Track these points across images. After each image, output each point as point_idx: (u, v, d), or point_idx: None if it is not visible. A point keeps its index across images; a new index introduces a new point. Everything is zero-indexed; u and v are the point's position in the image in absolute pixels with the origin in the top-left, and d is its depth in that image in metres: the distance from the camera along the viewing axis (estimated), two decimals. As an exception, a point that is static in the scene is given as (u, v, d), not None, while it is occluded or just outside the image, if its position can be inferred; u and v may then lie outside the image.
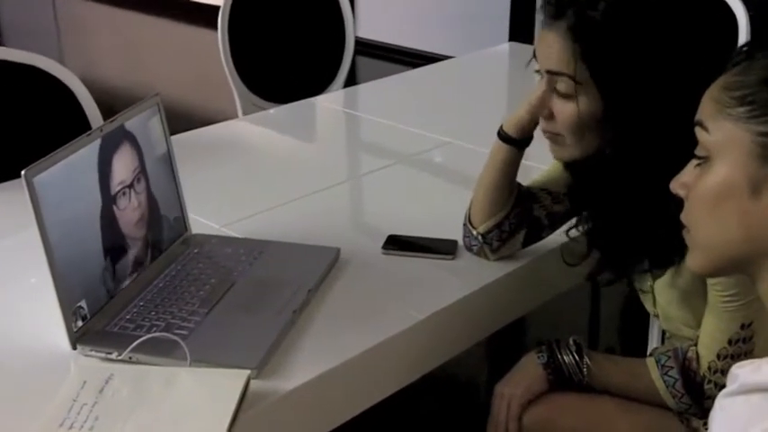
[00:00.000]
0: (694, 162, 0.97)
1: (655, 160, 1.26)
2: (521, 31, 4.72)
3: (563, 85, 1.33)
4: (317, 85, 2.99)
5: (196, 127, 2.23)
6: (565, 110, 1.35)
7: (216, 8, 3.05)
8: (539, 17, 1.38)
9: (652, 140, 1.27)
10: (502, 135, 1.49)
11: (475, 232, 1.52)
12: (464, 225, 1.55)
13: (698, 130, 0.96)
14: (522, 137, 1.48)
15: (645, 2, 1.31)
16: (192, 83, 5.28)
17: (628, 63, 1.29)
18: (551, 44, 1.32)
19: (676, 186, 1.00)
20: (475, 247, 1.54)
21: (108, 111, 2.17)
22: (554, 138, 1.40)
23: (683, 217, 1.00)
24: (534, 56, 1.39)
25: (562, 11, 1.31)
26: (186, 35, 6.62)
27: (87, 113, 2.06)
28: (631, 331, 2.46)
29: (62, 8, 7.26)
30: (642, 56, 1.29)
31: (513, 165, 1.50)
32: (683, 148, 1.00)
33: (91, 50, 6.31)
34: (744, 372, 0.84)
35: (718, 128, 0.93)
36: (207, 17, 5.97)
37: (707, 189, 0.95)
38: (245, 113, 2.84)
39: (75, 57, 6.03)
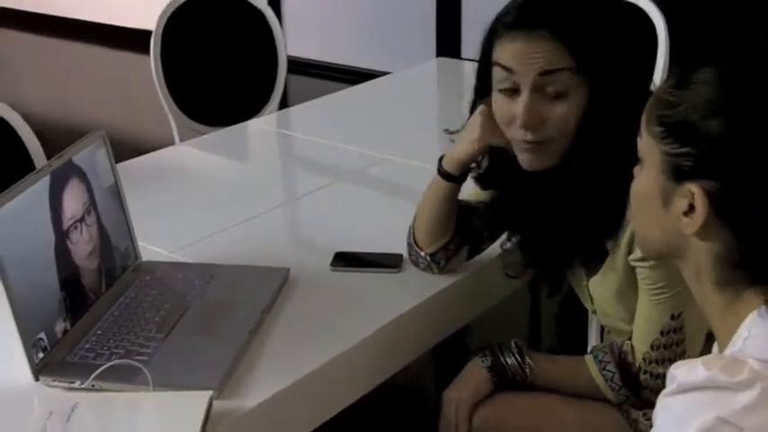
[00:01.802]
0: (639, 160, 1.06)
1: (606, 157, 1.33)
2: (447, 46, 4.82)
3: (557, 84, 1.35)
4: (253, 106, 3.02)
5: (131, 153, 2.25)
6: (559, 110, 1.37)
7: (146, 33, 3.08)
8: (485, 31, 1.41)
9: (618, 133, 1.29)
10: (442, 173, 1.53)
11: (423, 253, 1.58)
12: (409, 244, 1.61)
13: (639, 133, 1.04)
14: (462, 173, 1.53)
15: (614, 12, 1.40)
16: (125, 109, 5.27)
17: (607, 50, 1.36)
18: (537, 50, 1.34)
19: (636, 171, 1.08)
20: (422, 265, 1.60)
21: (41, 142, 2.19)
22: (538, 146, 1.40)
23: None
24: (484, 69, 1.43)
25: (538, 20, 1.35)
26: (117, 61, 6.59)
27: (29, 148, 2.07)
28: (571, 330, 2.55)
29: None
30: (615, 45, 1.37)
31: (453, 198, 1.56)
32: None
33: (15, 80, 6.24)
34: (680, 372, 0.91)
35: (646, 137, 1.01)
36: (138, 42, 5.98)
37: (635, 190, 1.05)
38: (181, 138, 2.86)
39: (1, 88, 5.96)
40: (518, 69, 1.36)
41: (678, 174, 0.96)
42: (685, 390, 0.89)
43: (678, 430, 0.88)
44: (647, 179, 1.02)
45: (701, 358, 0.90)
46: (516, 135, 1.40)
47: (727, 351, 0.94)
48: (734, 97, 0.94)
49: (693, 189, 0.94)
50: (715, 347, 1.03)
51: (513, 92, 1.39)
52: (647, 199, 1.02)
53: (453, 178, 1.53)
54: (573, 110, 1.36)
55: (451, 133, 1.58)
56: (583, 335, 2.00)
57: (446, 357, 1.62)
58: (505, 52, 1.37)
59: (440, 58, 3.43)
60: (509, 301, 1.83)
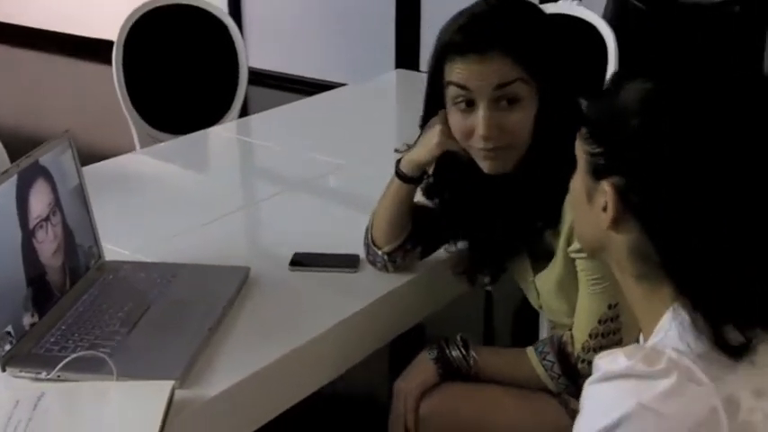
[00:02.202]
0: None
1: (550, 158, 1.41)
2: (406, 58, 4.91)
3: (510, 94, 1.45)
4: (213, 116, 3.07)
5: (94, 161, 2.29)
6: (514, 117, 1.46)
7: (108, 43, 3.12)
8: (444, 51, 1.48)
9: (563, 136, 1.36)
10: (401, 175, 1.62)
11: (380, 252, 1.66)
12: (366, 245, 1.69)
13: None
14: (419, 175, 1.62)
15: (540, 16, 1.51)
16: (88, 117, 5.28)
17: (551, 61, 1.46)
18: (490, 66, 1.44)
19: None
20: (379, 264, 1.68)
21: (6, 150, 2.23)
22: (498, 152, 1.49)
23: None
24: (434, 87, 1.52)
25: (488, 42, 1.44)
26: (81, 71, 6.59)
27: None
28: (525, 329, 2.63)
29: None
30: (557, 55, 1.48)
31: (409, 198, 1.64)
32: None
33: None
34: (604, 362, 0.98)
35: (577, 140, 1.09)
36: (98, 52, 6.00)
37: (571, 188, 1.13)
38: (142, 145, 2.91)
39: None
40: (474, 87, 1.46)
41: (596, 172, 1.04)
42: (609, 378, 0.96)
43: (602, 417, 0.94)
44: (578, 179, 1.10)
45: (623, 348, 0.97)
46: (476, 144, 1.49)
47: (650, 342, 1.01)
48: (638, 105, 1.01)
49: (605, 185, 1.02)
50: (641, 337, 1.11)
51: (468, 106, 1.48)
52: (578, 197, 1.10)
53: (411, 180, 1.61)
54: (527, 115, 1.46)
55: (402, 152, 1.65)
56: (535, 334, 2.09)
57: (402, 356, 1.69)
58: (461, 73, 1.46)
59: (398, 69, 3.51)
60: (464, 301, 1.91)
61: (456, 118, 1.50)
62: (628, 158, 1.00)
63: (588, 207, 1.08)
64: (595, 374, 0.98)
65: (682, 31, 3.38)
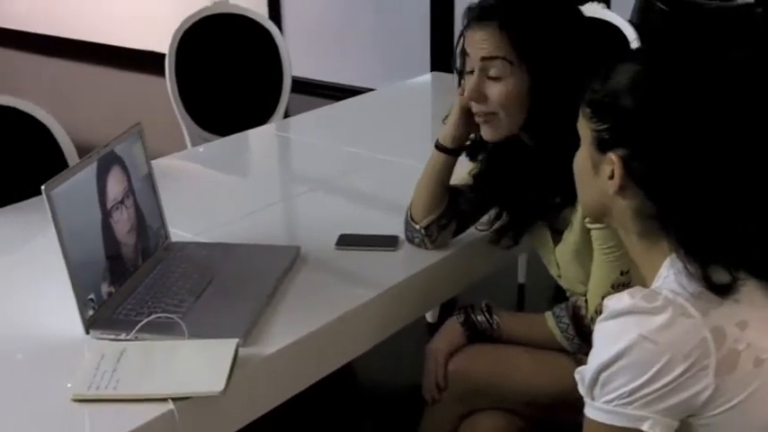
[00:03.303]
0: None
1: (560, 137, 1.55)
2: (442, 61, 5.08)
3: (495, 69, 1.64)
4: (258, 120, 3.25)
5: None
6: (497, 90, 1.65)
7: (158, 55, 3.33)
8: (464, 23, 1.68)
9: (563, 114, 1.49)
10: (438, 146, 1.81)
11: (417, 226, 1.84)
12: (406, 221, 1.87)
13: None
14: (455, 146, 1.80)
15: (552, 3, 1.67)
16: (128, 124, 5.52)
17: (546, 47, 1.62)
18: (484, 37, 1.63)
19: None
20: (417, 239, 1.85)
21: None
22: (487, 118, 1.68)
23: None
24: (461, 55, 1.70)
25: (491, 12, 1.63)
26: (115, 80, 6.86)
27: (63, 149, 2.32)
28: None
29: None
30: (556, 42, 1.63)
31: (447, 170, 1.82)
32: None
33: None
34: (611, 302, 1.16)
35: (580, 119, 1.26)
36: (147, 64, 6.25)
37: (576, 161, 1.30)
38: (193, 145, 3.12)
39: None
40: (471, 54, 1.67)
41: (602, 145, 1.21)
42: (615, 315, 1.13)
43: (610, 347, 1.12)
44: (583, 153, 1.27)
45: (627, 290, 1.15)
46: (472, 108, 1.70)
47: (651, 287, 1.18)
48: (637, 84, 1.17)
49: (612, 156, 1.19)
50: None
51: (470, 72, 1.68)
52: (583, 169, 1.27)
53: (447, 150, 1.80)
54: (506, 91, 1.64)
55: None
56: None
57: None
58: (466, 40, 1.67)
59: (434, 72, 3.68)
60: (496, 283, 2.07)
61: (465, 83, 1.71)
62: (629, 132, 1.17)
63: (594, 177, 1.24)
64: (604, 313, 1.15)
65: (704, 33, 3.52)
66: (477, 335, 1.75)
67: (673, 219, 1.16)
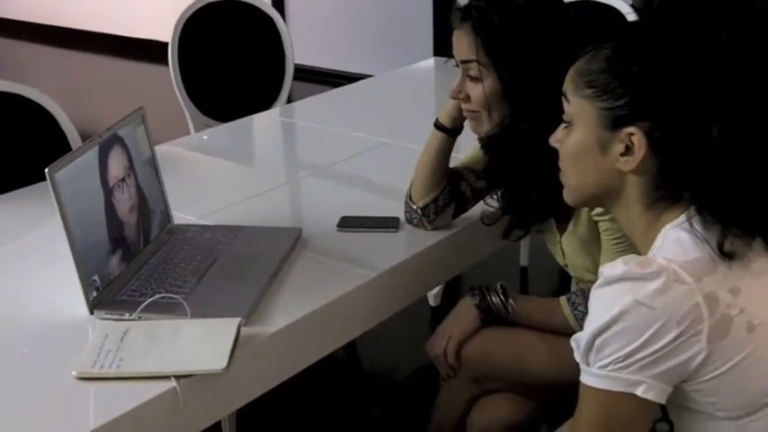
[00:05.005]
0: (563, 125, 1.31)
1: (545, 127, 1.59)
2: (444, 46, 5.08)
3: (472, 71, 1.69)
4: (261, 106, 3.27)
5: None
6: (475, 90, 1.71)
7: (161, 44, 3.34)
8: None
9: (540, 108, 1.58)
10: (437, 125, 1.84)
11: (415, 206, 1.85)
12: (405, 202, 1.88)
13: (563, 100, 1.29)
14: (454, 126, 1.83)
15: (529, 7, 1.68)
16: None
17: (517, 50, 1.65)
18: (461, 39, 1.69)
19: (553, 141, 1.33)
20: (415, 220, 1.87)
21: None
22: (472, 115, 1.75)
23: (560, 164, 1.33)
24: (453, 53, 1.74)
25: (468, 14, 1.67)
26: (129, 71, 6.88)
27: (68, 135, 2.33)
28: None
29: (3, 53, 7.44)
30: (526, 45, 1.65)
31: (446, 150, 1.84)
32: (560, 115, 1.33)
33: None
34: (606, 269, 1.17)
35: (575, 102, 1.26)
36: (150, 53, 6.26)
37: (570, 147, 1.29)
38: (196, 131, 3.13)
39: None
40: (455, 54, 1.73)
41: (615, 122, 1.21)
42: (609, 282, 1.15)
43: (606, 312, 1.13)
44: (580, 135, 1.26)
45: (621, 258, 1.16)
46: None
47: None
48: (655, 53, 1.19)
49: (632, 131, 1.19)
50: None
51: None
52: (584, 151, 1.26)
53: (445, 130, 1.83)
54: (484, 92, 1.69)
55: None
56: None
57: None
58: (453, 40, 1.72)
59: (436, 57, 3.69)
60: (498, 266, 2.08)
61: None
62: (653, 103, 1.17)
63: (601, 158, 1.24)
64: (599, 280, 1.16)
65: (705, 18, 3.51)
66: (491, 317, 1.75)
67: (694, 182, 1.17)
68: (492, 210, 1.85)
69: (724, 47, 1.18)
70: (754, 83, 1.17)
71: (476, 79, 1.70)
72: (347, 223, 1.91)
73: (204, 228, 1.91)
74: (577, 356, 1.19)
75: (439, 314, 1.90)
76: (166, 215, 1.88)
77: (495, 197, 1.83)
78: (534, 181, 1.67)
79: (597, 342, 1.14)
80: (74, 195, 1.55)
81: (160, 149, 2.40)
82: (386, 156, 2.38)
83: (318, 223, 1.94)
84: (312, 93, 3.16)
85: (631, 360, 1.11)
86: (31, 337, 1.53)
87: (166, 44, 3.16)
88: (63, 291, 1.59)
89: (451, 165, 1.88)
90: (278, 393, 1.61)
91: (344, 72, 5.78)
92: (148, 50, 6.47)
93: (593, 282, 1.70)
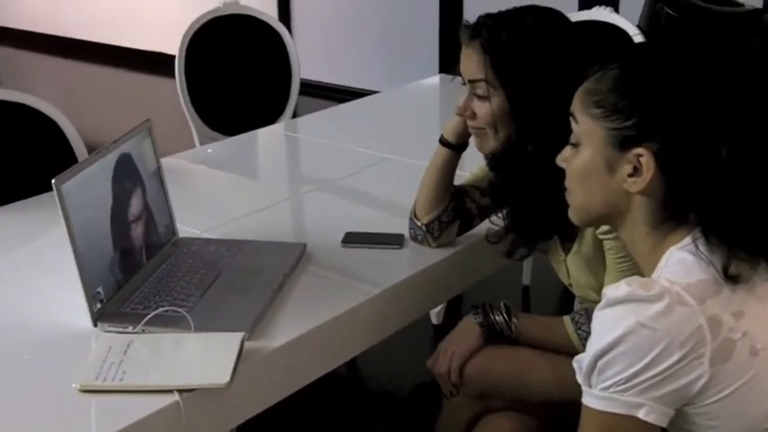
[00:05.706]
0: (570, 145, 1.31)
1: (552, 146, 1.59)
2: (450, 63, 5.09)
3: (480, 89, 1.69)
4: (267, 120, 3.28)
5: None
6: (482, 108, 1.71)
7: (168, 57, 3.35)
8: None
9: (546, 128, 1.59)
10: (442, 140, 1.84)
11: (419, 223, 1.85)
12: (410, 219, 1.88)
13: (571, 120, 1.29)
14: (459, 142, 1.83)
15: (538, 27, 1.68)
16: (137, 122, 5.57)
17: (525, 70, 1.65)
18: (470, 57, 1.69)
19: (560, 161, 1.33)
20: (419, 236, 1.87)
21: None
22: (477, 132, 1.75)
23: (566, 183, 1.33)
24: (460, 71, 1.74)
25: (477, 33, 1.68)
26: (135, 83, 6.90)
27: (73, 145, 2.34)
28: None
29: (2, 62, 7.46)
30: (535, 65, 1.65)
31: (450, 166, 1.85)
32: (567, 135, 1.33)
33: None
34: (609, 290, 1.17)
35: (583, 122, 1.26)
36: (157, 66, 6.28)
37: (578, 166, 1.28)
38: (201, 144, 3.14)
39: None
40: (462, 71, 1.73)
41: (624, 143, 1.21)
42: (612, 303, 1.15)
43: (608, 334, 1.13)
44: (588, 155, 1.26)
45: (625, 279, 1.16)
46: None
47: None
48: (666, 75, 1.19)
49: (641, 152, 1.19)
50: None
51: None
52: (591, 171, 1.26)
53: (450, 145, 1.83)
54: (491, 111, 1.70)
55: None
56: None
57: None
58: (461, 57, 1.72)
59: (442, 74, 3.70)
60: (501, 285, 2.08)
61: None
62: (662, 124, 1.17)
63: (608, 178, 1.24)
64: (602, 302, 1.16)
65: (713, 38, 3.53)
66: (493, 335, 1.75)
67: (700, 203, 1.17)
68: (496, 228, 1.85)
69: (735, 67, 1.18)
70: (763, 103, 1.17)
71: (483, 98, 1.70)
72: (352, 239, 1.91)
73: (209, 241, 1.91)
74: (579, 378, 1.19)
75: (441, 332, 1.89)
76: (171, 228, 1.88)
77: (500, 216, 1.83)
78: (539, 199, 1.67)
79: (599, 364, 1.14)
80: (80, 207, 1.55)
81: (165, 162, 2.40)
82: (391, 171, 2.39)
83: (323, 238, 1.94)
84: (317, 108, 3.17)
85: (633, 382, 1.11)
86: (34, 348, 1.53)
87: (173, 57, 3.17)
88: (67, 302, 1.60)
89: (457, 183, 1.89)
90: (280, 409, 1.60)
91: (350, 88, 5.80)
92: (155, 63, 6.50)
93: (597, 301, 1.71)
